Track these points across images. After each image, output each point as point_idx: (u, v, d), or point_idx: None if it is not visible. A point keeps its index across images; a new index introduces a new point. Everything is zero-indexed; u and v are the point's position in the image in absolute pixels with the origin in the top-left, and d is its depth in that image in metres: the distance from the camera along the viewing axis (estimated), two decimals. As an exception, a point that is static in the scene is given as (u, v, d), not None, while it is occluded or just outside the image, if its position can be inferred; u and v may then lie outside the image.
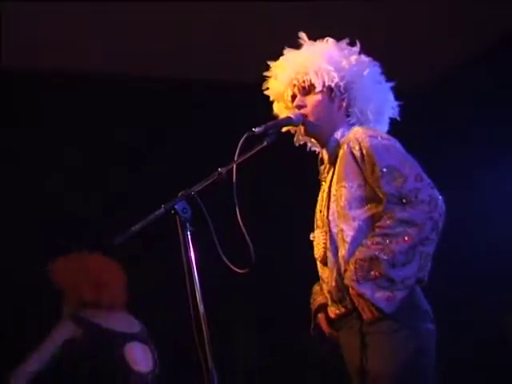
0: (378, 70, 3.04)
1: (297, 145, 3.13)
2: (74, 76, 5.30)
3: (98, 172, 5.38)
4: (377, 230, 2.75)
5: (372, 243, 2.72)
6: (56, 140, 5.29)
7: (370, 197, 2.83)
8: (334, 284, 2.86)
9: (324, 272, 2.94)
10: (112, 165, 5.42)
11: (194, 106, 5.55)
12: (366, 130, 2.91)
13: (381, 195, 2.80)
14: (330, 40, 3.03)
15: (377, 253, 2.69)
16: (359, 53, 3.02)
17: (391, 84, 3.06)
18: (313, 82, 2.96)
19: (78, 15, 4.88)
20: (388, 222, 2.73)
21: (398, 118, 3.07)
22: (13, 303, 5.05)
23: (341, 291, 2.84)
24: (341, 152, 2.92)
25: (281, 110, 3.08)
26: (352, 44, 3.04)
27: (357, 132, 2.90)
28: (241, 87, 5.35)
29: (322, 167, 3.06)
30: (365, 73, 2.98)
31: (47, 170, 5.26)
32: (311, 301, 3.09)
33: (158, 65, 5.38)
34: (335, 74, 2.95)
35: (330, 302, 2.94)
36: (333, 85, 2.96)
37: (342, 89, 2.97)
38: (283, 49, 3.05)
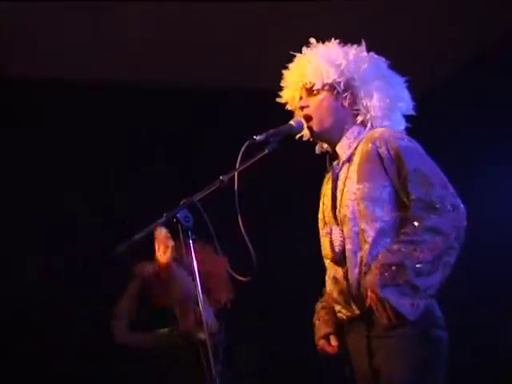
0: (383, 65, 3.01)
1: (318, 152, 3.10)
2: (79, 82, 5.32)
3: (99, 173, 5.39)
4: (402, 237, 2.72)
5: (398, 249, 2.69)
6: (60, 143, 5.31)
7: (393, 198, 2.81)
8: (353, 284, 2.83)
9: (337, 272, 2.90)
10: (114, 165, 5.43)
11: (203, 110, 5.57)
12: (392, 131, 2.89)
13: (405, 198, 2.78)
14: (333, 41, 3.02)
15: (403, 259, 2.66)
16: (364, 51, 2.99)
17: (403, 79, 3.02)
18: (312, 81, 2.96)
19: (80, 19, 4.88)
20: (415, 229, 2.70)
21: (413, 114, 3.03)
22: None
23: (358, 291, 2.81)
24: (362, 150, 2.88)
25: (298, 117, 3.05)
26: (358, 42, 3.01)
27: (383, 132, 2.88)
28: (241, 92, 5.40)
29: (334, 164, 3.01)
30: (364, 67, 2.96)
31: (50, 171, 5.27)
32: (315, 319, 3.06)
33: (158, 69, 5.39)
34: (332, 71, 2.93)
35: (342, 304, 2.90)
36: (331, 82, 2.94)
37: (342, 85, 2.95)
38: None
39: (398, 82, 3.02)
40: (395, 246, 2.71)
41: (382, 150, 2.82)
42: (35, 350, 5.07)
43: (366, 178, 2.84)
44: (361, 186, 2.84)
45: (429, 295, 2.68)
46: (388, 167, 2.81)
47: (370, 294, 2.70)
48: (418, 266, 2.64)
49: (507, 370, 5.07)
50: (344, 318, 2.92)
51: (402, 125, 3.03)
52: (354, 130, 2.96)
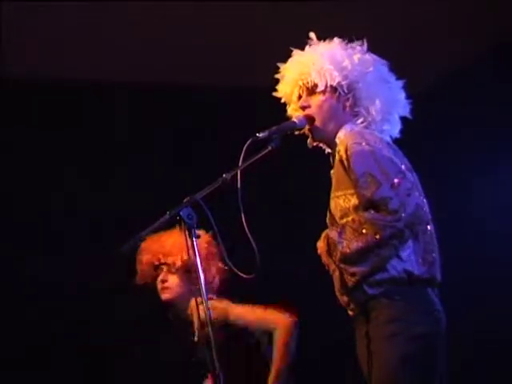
0: (384, 68, 3.03)
1: (310, 147, 3.10)
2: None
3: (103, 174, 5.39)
4: (350, 223, 2.78)
5: (340, 232, 2.78)
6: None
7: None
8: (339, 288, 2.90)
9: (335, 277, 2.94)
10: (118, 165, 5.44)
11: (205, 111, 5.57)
12: (353, 136, 2.89)
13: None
14: (336, 40, 3.03)
15: (338, 241, 2.76)
16: (366, 52, 3.01)
17: (401, 82, 3.05)
18: (315, 82, 2.97)
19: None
20: (358, 218, 2.76)
21: (409, 117, 3.05)
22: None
23: (345, 295, 2.88)
24: (336, 158, 2.93)
25: (293, 112, 3.07)
26: (359, 43, 3.03)
27: (345, 139, 2.90)
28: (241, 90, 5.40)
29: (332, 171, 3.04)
30: (368, 71, 2.98)
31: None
32: None
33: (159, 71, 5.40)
34: (337, 74, 2.94)
35: (343, 304, 2.95)
36: (335, 84, 2.96)
37: (345, 88, 2.96)
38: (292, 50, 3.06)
39: (397, 86, 3.05)
40: (339, 229, 2.80)
41: (343, 158, 2.86)
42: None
43: (335, 188, 2.92)
44: (333, 196, 2.92)
45: (356, 280, 2.78)
46: (349, 174, 2.84)
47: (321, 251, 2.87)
48: (345, 253, 2.75)
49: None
50: (350, 315, 2.96)
51: (398, 127, 3.06)
52: (341, 133, 2.96)
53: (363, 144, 2.83)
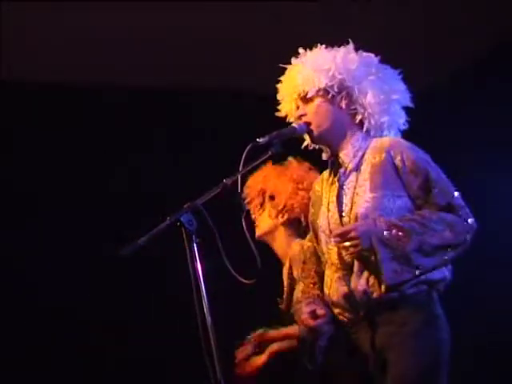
0: (372, 60, 3.03)
1: (325, 158, 3.10)
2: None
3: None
4: (417, 217, 2.79)
5: (411, 223, 2.77)
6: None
7: (408, 207, 2.86)
8: (360, 289, 2.85)
9: (341, 277, 2.90)
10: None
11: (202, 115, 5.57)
12: (403, 142, 2.95)
13: (427, 206, 2.84)
14: (320, 46, 3.04)
15: (412, 231, 2.74)
16: (352, 51, 3.01)
17: (397, 72, 3.05)
18: (305, 89, 2.99)
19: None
20: (431, 215, 2.79)
21: (411, 106, 3.06)
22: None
23: (364, 295, 2.84)
24: (374, 159, 2.91)
25: None
26: (346, 44, 3.04)
27: (396, 142, 2.93)
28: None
29: (340, 171, 3.00)
30: (353, 67, 2.98)
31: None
32: None
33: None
34: (322, 77, 2.96)
35: (344, 307, 2.92)
36: (323, 86, 2.97)
37: (335, 88, 2.97)
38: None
39: (391, 76, 3.05)
40: (409, 220, 2.78)
41: (398, 160, 2.87)
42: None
43: (379, 187, 2.88)
44: (374, 195, 2.88)
45: (415, 274, 2.75)
46: (404, 177, 2.86)
47: (362, 235, 2.73)
48: (421, 244, 2.73)
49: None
50: (346, 320, 2.94)
51: (401, 118, 3.06)
52: (359, 137, 2.98)
53: (419, 151, 2.91)
